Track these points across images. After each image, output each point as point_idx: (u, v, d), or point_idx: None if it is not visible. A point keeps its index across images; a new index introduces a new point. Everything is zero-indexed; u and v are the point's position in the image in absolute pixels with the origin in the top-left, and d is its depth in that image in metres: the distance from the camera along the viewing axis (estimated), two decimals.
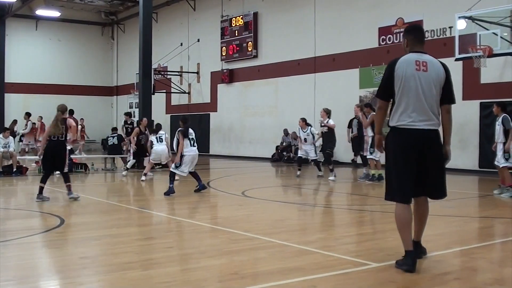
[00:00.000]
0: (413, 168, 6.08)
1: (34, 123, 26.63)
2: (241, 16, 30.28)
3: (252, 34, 29.58)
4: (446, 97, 6.21)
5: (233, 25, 30.87)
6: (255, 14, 29.61)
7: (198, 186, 13.62)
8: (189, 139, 13.45)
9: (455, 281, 5.77)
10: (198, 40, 33.78)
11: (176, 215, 10.73)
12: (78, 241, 7.96)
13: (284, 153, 26.54)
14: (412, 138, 6.07)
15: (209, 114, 32.98)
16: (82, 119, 31.41)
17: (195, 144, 13.67)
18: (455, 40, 17.72)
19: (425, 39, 6.49)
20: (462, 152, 19.98)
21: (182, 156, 13.38)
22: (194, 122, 33.11)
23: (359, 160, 18.89)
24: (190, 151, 13.48)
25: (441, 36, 20.86)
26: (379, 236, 8.57)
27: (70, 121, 12.41)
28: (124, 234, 8.69)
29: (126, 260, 6.70)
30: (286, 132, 26.56)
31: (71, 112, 22.92)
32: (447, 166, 6.34)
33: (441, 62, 6.27)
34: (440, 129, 6.26)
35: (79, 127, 28.04)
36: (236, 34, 30.62)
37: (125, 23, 42.06)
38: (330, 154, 16.98)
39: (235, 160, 28.20)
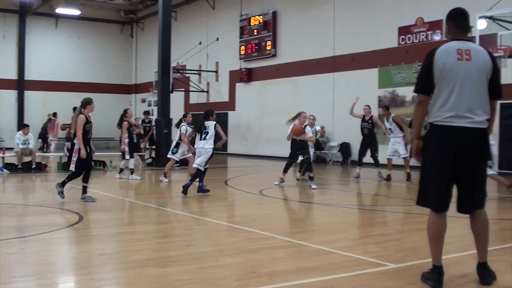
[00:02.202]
0: (449, 172, 5.44)
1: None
2: (260, 15, 30.29)
3: (271, 33, 29.55)
4: (492, 91, 5.43)
5: (252, 24, 30.85)
6: (274, 13, 29.58)
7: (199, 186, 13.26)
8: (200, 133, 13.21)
9: (473, 283, 5.72)
10: (217, 39, 33.80)
11: (194, 213, 10.75)
12: (96, 238, 8.01)
13: None
14: (448, 137, 5.39)
15: (227, 113, 32.99)
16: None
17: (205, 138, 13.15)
18: (476, 40, 17.55)
19: (465, 25, 5.72)
20: None
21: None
22: None
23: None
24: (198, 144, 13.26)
25: None
26: (398, 237, 8.54)
27: (77, 118, 11.80)
28: (142, 232, 8.72)
29: (144, 257, 6.73)
30: None
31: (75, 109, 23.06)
32: None
33: (487, 51, 5.54)
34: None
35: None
36: (255, 33, 30.62)
37: (144, 22, 42.19)
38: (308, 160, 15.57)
39: (253, 159, 28.20)
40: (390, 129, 16.88)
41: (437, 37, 21.67)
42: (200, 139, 13.14)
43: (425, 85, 5.52)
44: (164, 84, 23.33)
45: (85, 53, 41.59)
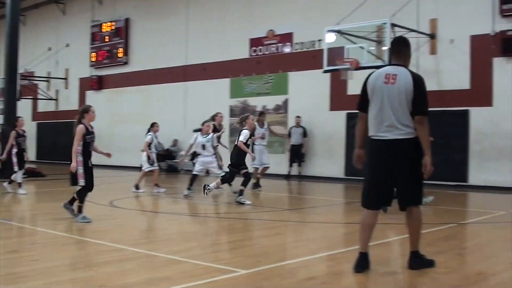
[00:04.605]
0: (380, 177, 6.32)
1: None
2: (112, 22, 29.86)
3: (123, 40, 29.24)
4: (414, 108, 6.19)
5: (104, 31, 30.38)
6: (127, 20, 29.29)
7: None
8: None
9: (321, 285, 5.93)
10: (67, 45, 32.96)
11: (41, 227, 10.38)
12: None
13: None
14: (378, 148, 6.31)
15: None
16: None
17: None
18: (324, 53, 18.25)
19: (400, 52, 6.55)
20: (329, 161, 20.79)
21: None
22: (61, 129, 32.23)
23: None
24: None
25: (310, 49, 21.50)
26: (248, 244, 8.68)
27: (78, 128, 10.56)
28: None
29: None
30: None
31: None
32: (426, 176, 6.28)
33: (414, 75, 6.30)
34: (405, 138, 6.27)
35: None
36: (107, 40, 30.14)
37: None
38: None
39: (103, 169, 27.60)
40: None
41: (287, 49, 22.39)
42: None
43: (361, 103, 6.49)
44: (11, 91, 22.43)
45: None
